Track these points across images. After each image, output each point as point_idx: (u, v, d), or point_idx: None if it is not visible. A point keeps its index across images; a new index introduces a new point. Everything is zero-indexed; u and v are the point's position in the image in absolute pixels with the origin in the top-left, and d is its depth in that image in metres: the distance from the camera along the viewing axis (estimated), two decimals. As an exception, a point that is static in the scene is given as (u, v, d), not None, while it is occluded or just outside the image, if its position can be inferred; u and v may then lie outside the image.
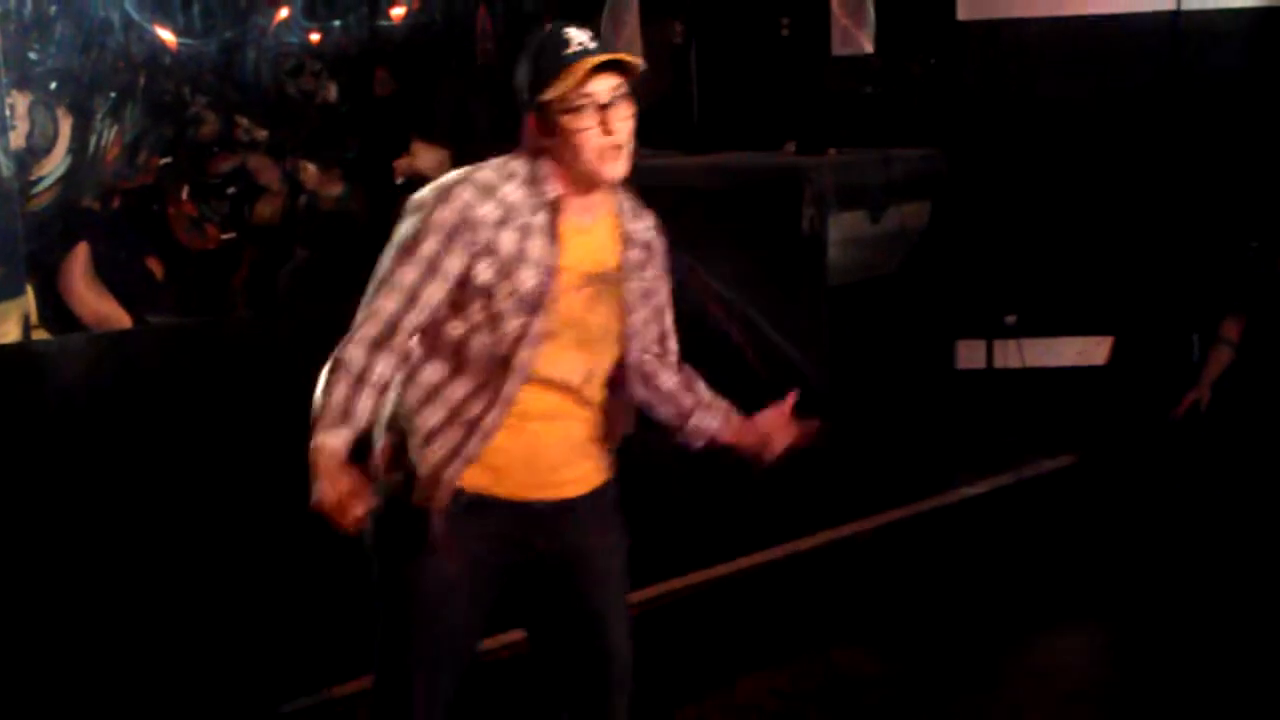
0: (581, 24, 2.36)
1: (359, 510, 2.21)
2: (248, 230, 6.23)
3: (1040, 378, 5.32)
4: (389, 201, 6.14)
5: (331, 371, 2.32)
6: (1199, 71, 5.11)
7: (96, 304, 5.07)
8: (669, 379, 2.57)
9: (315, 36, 6.95)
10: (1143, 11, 5.16)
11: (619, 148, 2.34)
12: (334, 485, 2.21)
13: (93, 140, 5.68)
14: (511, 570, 2.47)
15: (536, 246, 2.35)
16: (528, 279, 2.34)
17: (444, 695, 2.47)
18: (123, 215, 5.74)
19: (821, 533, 4.26)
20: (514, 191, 2.36)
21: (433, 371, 2.40)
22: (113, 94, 5.78)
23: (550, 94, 2.30)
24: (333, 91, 6.69)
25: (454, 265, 2.33)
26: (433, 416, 2.40)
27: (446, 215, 2.32)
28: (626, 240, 2.45)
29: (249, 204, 6.28)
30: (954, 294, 5.35)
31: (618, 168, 2.35)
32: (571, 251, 2.39)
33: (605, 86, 2.32)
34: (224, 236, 6.20)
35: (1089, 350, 5.36)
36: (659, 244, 2.52)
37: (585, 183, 2.37)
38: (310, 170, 6.43)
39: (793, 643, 3.49)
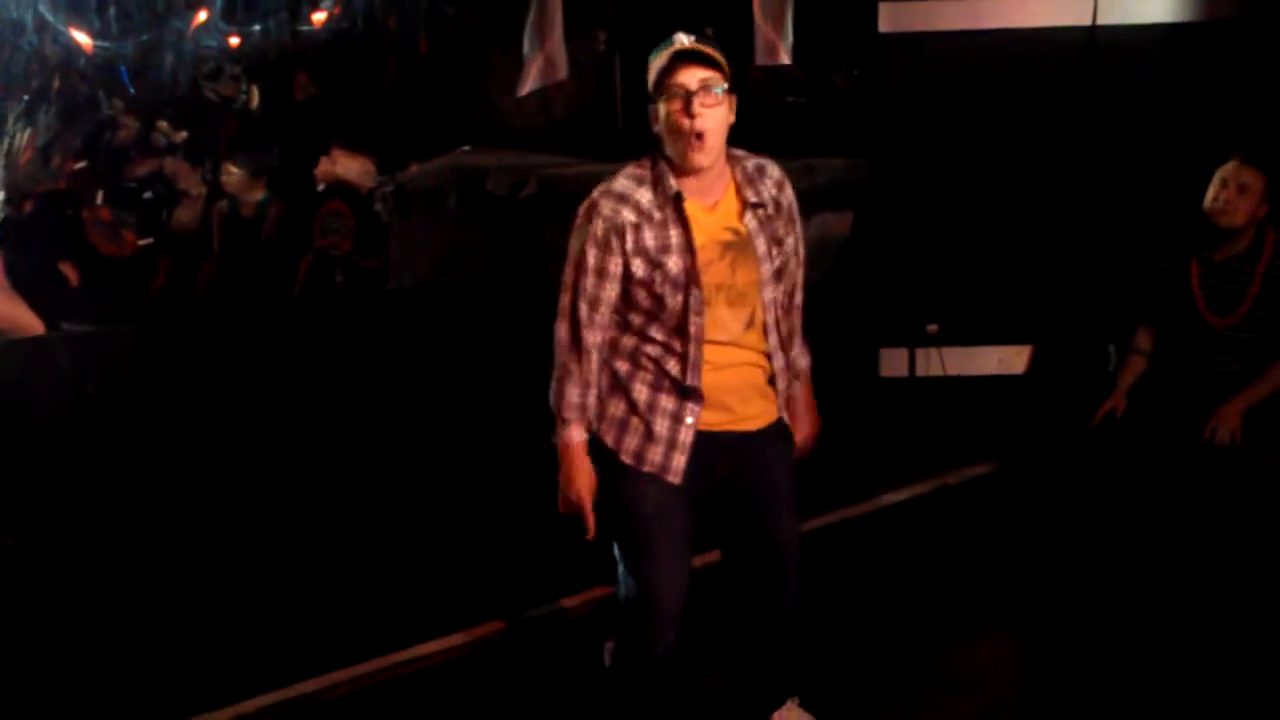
0: (690, 30, 2.82)
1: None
2: (165, 236, 6.15)
3: (961, 386, 5.37)
4: (309, 207, 6.09)
5: (561, 377, 2.94)
6: (1114, 85, 5.18)
7: (9, 310, 4.97)
8: (782, 330, 3.03)
9: (234, 40, 6.87)
10: (1060, 26, 5.23)
11: (701, 135, 2.77)
12: (589, 478, 2.93)
13: (5, 144, 5.57)
14: (706, 492, 3.00)
15: (673, 236, 2.84)
16: (673, 265, 2.85)
17: (677, 603, 2.99)
18: (36, 220, 5.64)
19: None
20: (644, 195, 2.85)
21: (633, 343, 2.93)
22: (25, 97, 5.67)
23: (651, 84, 2.81)
24: (253, 96, 6.63)
25: (615, 267, 2.86)
26: (649, 376, 2.93)
27: (599, 228, 2.85)
28: (747, 204, 2.92)
29: (167, 209, 6.20)
30: (877, 302, 5.38)
31: (697, 154, 2.80)
32: (704, 230, 2.88)
33: (693, 77, 2.76)
34: (141, 242, 6.11)
35: (1009, 359, 5.42)
36: (784, 198, 3.00)
37: (680, 167, 2.83)
38: (230, 175, 6.35)
39: (714, 652, 3.49)
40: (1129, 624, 3.90)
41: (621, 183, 2.88)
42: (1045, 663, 3.82)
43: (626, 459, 2.97)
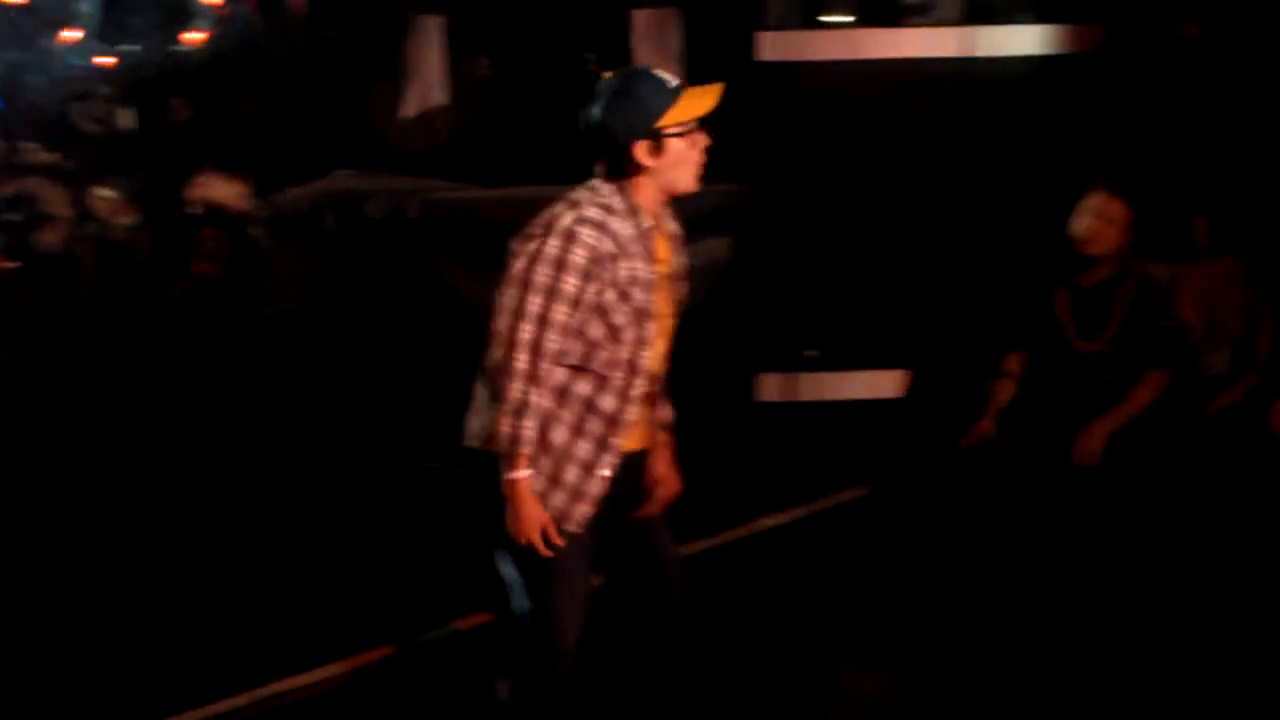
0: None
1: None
2: (31, 258, 6.00)
3: (838, 410, 5.43)
4: (183, 232, 5.98)
5: (516, 411, 2.78)
6: (985, 116, 5.30)
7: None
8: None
9: (107, 61, 6.73)
10: (933, 57, 5.33)
11: (702, 165, 2.90)
12: (539, 513, 2.81)
13: None
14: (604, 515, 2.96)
15: (643, 270, 2.85)
16: (640, 297, 2.85)
17: (578, 637, 2.98)
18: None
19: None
20: (621, 226, 2.83)
21: (564, 378, 2.85)
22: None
23: (668, 119, 2.81)
24: (124, 118, 6.49)
25: (594, 296, 2.80)
26: (570, 416, 2.86)
27: (580, 256, 2.77)
28: (673, 239, 2.99)
29: (33, 231, 6.05)
30: (754, 328, 5.42)
31: (697, 180, 2.90)
32: (659, 262, 2.91)
33: (702, 114, 2.86)
34: (6, 264, 5.96)
35: (884, 383, 5.49)
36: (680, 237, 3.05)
37: (666, 195, 2.89)
38: (100, 198, 6.22)
39: (592, 680, 3.46)
40: (999, 644, 3.95)
41: (594, 211, 2.82)
42: (917, 684, 3.86)
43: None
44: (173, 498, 4.96)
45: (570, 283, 2.77)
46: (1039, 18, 5.31)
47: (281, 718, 3.67)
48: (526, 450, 2.80)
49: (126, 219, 6.07)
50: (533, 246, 2.80)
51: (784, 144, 5.38)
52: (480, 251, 5.31)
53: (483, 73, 6.04)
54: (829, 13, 5.53)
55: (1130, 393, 4.46)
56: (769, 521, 4.90)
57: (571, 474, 2.87)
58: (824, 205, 5.38)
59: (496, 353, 2.80)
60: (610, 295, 2.81)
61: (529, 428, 2.78)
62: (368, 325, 5.50)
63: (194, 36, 6.81)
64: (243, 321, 5.84)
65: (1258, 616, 3.92)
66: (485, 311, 3.05)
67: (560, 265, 2.77)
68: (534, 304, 2.77)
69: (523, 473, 2.80)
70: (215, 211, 5.96)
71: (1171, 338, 4.49)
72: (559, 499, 2.87)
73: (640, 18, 6.00)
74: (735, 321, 5.32)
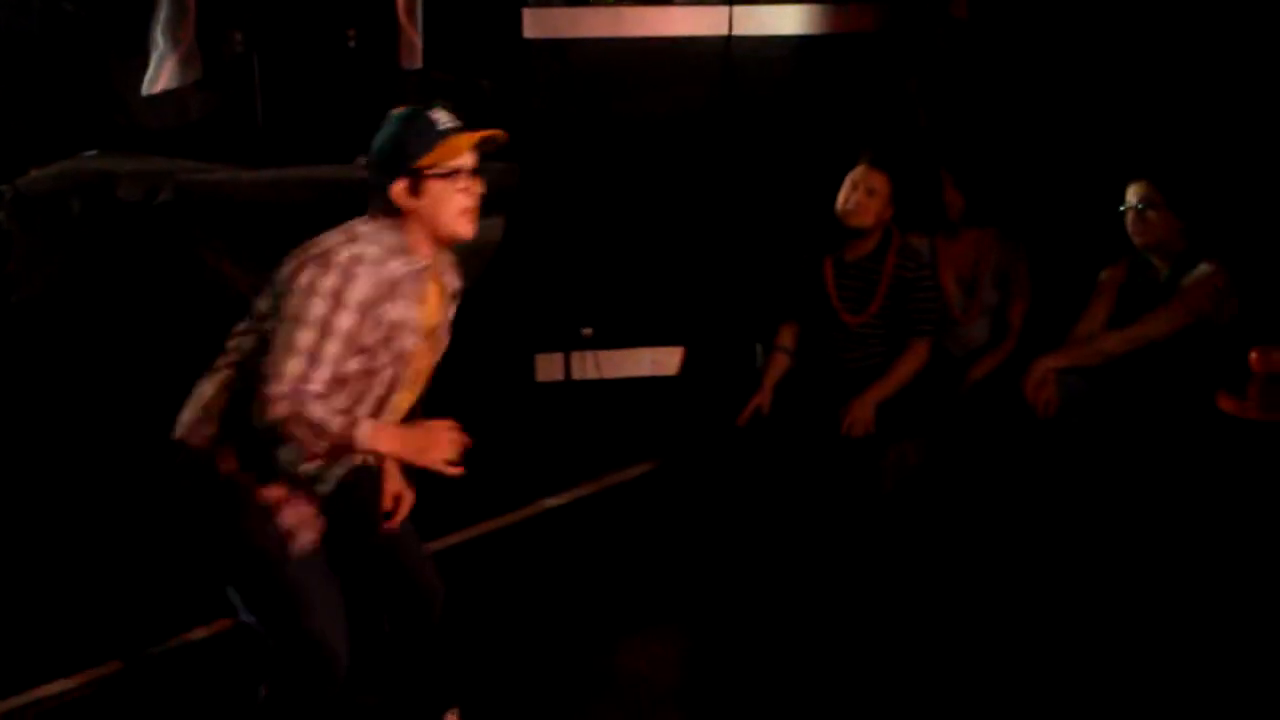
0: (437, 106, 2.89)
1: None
2: None
3: (617, 388, 5.45)
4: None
5: (318, 430, 2.69)
6: (750, 93, 5.38)
7: None
8: None
9: None
10: (697, 35, 5.38)
11: (474, 210, 2.86)
12: (419, 432, 2.79)
13: None
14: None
15: (412, 314, 2.84)
16: (406, 342, 2.84)
17: (346, 645, 2.90)
18: None
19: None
20: (396, 266, 2.80)
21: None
22: None
23: (428, 160, 2.80)
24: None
25: (366, 336, 2.75)
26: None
27: (356, 293, 2.72)
28: (446, 294, 2.98)
29: None
30: (530, 308, 5.39)
31: (470, 226, 2.86)
32: (431, 310, 2.90)
33: (471, 158, 2.85)
34: None
35: (662, 360, 5.54)
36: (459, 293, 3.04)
37: (437, 240, 2.86)
38: None
39: (375, 669, 3.39)
40: (783, 618, 4.03)
41: (372, 250, 2.78)
42: (705, 658, 3.91)
43: (263, 503, 2.86)
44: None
45: (347, 321, 2.72)
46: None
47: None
48: (347, 430, 2.71)
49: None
50: (306, 279, 2.73)
51: (553, 121, 5.35)
52: (240, 235, 5.13)
53: (239, 47, 5.81)
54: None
55: (894, 364, 4.62)
56: (554, 501, 4.89)
57: (299, 496, 2.88)
58: (594, 184, 5.38)
59: (266, 385, 2.69)
60: (375, 336, 2.78)
61: (331, 422, 2.70)
62: (119, 313, 5.25)
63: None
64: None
65: (1028, 576, 4.10)
66: (244, 298, 2.96)
67: (334, 300, 2.71)
68: (306, 340, 2.70)
69: (366, 431, 2.72)
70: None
71: (932, 308, 4.66)
72: (290, 518, 2.85)
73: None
74: (512, 302, 5.27)
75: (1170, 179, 4.27)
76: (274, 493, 2.84)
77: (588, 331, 5.44)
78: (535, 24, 5.32)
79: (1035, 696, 3.56)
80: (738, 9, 5.29)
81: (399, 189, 2.83)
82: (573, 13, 5.33)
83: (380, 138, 2.88)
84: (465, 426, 2.82)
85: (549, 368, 5.45)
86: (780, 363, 4.79)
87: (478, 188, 2.87)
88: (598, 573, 4.38)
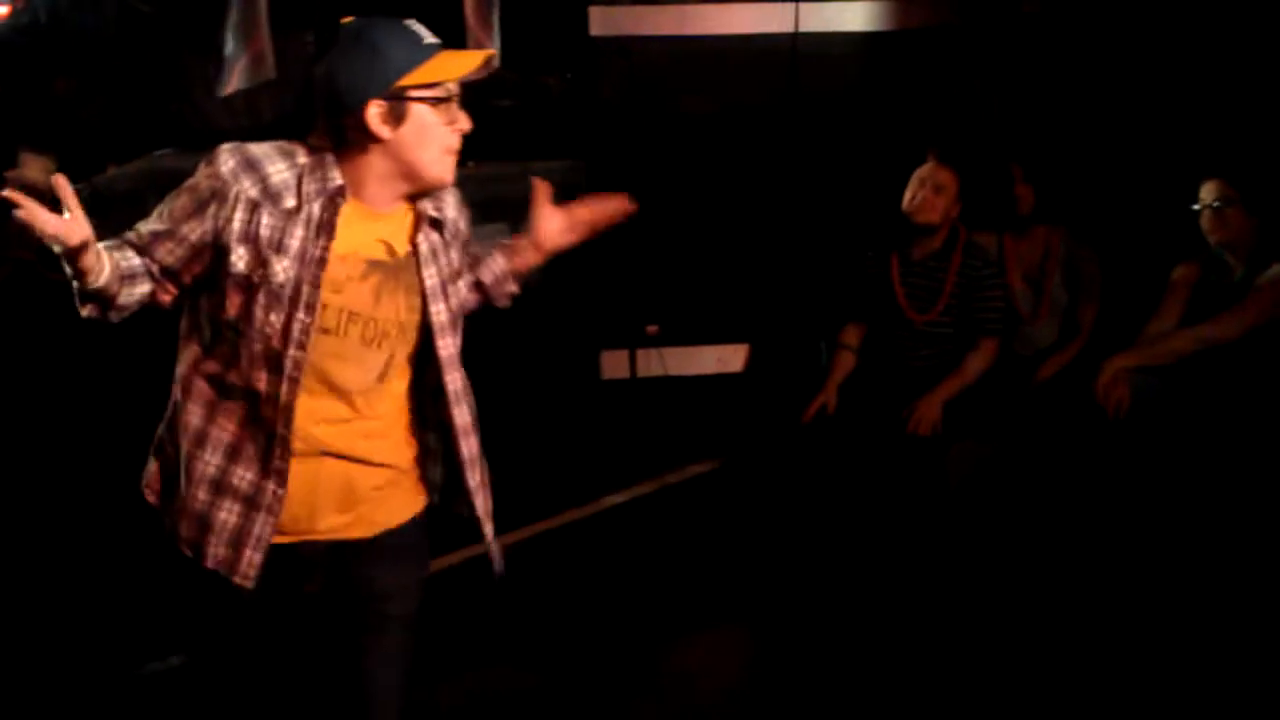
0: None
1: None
2: None
3: (682, 386, 5.46)
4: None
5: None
6: (818, 90, 5.36)
7: None
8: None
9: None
10: (764, 32, 5.37)
11: (456, 150, 2.28)
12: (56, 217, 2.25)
13: None
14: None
15: (297, 233, 2.20)
16: (281, 271, 2.19)
17: None
18: None
19: (467, 548, 4.21)
20: (284, 173, 2.21)
21: (209, 382, 2.29)
22: None
23: (414, 78, 2.19)
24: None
25: (193, 234, 2.21)
26: (211, 447, 2.28)
27: (203, 182, 2.21)
28: (422, 218, 2.33)
29: None
30: (597, 305, 5.41)
31: (450, 170, 2.28)
32: (352, 238, 2.24)
33: (458, 89, 2.26)
34: None
35: (727, 358, 5.54)
36: (464, 223, 2.44)
37: (405, 184, 2.25)
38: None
39: (438, 664, 3.42)
40: (848, 618, 4.01)
41: (264, 147, 2.23)
42: (769, 657, 3.90)
43: (185, 550, 2.32)
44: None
45: (180, 200, 2.24)
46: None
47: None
48: None
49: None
50: None
51: (620, 119, 5.37)
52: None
53: (309, 48, 5.88)
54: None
55: (963, 363, 4.58)
56: (617, 498, 4.90)
57: (230, 512, 2.30)
58: (660, 181, 5.38)
59: None
60: (240, 255, 2.20)
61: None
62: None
63: (-1, 10, 6.48)
64: (60, 309, 5.56)
65: (1097, 578, 4.05)
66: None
67: (187, 183, 2.26)
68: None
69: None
70: (34, 194, 5.68)
71: (999, 306, 4.62)
72: (217, 546, 2.31)
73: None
74: (578, 299, 5.29)
75: (1245, 176, 4.20)
76: None
77: (653, 329, 5.45)
78: (601, 22, 5.34)
79: (1107, 697, 3.52)
80: (804, 5, 5.28)
81: (374, 113, 2.18)
82: (638, 10, 5.35)
83: (342, 53, 2.21)
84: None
85: (614, 365, 5.46)
86: (845, 361, 4.77)
87: (467, 125, 2.28)
88: (660, 570, 4.38)
